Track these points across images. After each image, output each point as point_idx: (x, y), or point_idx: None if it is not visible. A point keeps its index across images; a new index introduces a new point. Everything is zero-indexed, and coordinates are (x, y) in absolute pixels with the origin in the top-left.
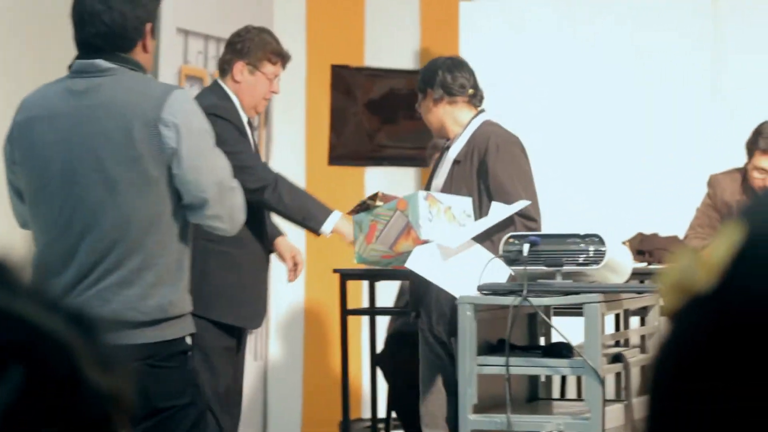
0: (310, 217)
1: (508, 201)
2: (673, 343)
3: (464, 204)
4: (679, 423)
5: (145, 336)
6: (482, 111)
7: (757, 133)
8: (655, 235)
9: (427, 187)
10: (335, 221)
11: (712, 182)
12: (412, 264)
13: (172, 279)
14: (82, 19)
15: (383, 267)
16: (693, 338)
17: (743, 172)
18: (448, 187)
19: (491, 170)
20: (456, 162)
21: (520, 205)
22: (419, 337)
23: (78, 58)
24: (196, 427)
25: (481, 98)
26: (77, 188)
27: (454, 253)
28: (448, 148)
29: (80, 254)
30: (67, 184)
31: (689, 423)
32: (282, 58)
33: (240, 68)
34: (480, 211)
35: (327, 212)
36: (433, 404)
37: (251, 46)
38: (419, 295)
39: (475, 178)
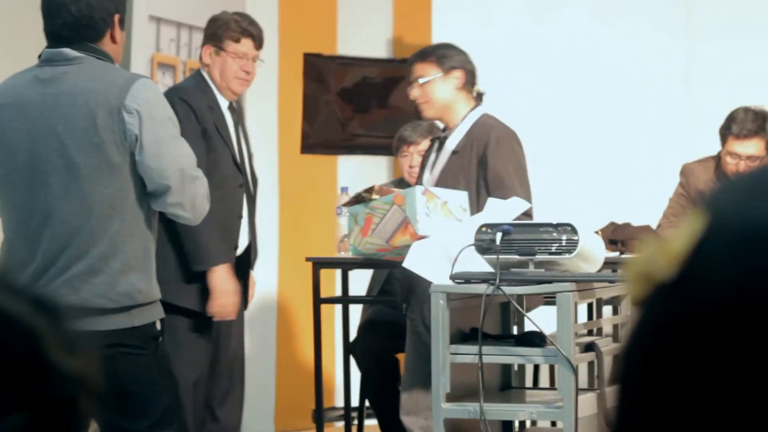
0: (201, 249)
1: (505, 195)
2: (638, 331)
3: (460, 198)
4: (647, 412)
5: (115, 322)
6: (480, 104)
7: (730, 119)
8: (627, 225)
9: (420, 179)
10: (220, 269)
11: (685, 171)
12: (410, 264)
13: (140, 266)
14: (50, 10)
15: (378, 259)
16: (657, 327)
17: (717, 160)
18: (446, 177)
19: (491, 163)
20: (454, 152)
21: (517, 204)
22: (407, 327)
23: (47, 48)
24: (169, 413)
25: (479, 97)
26: (40, 174)
27: (449, 248)
28: (442, 139)
29: (44, 240)
30: (30, 171)
31: (657, 411)
32: (245, 34)
33: (207, 51)
34: (477, 203)
35: (218, 258)
36: (417, 392)
37: (215, 28)
38: (409, 286)
39: (474, 169)
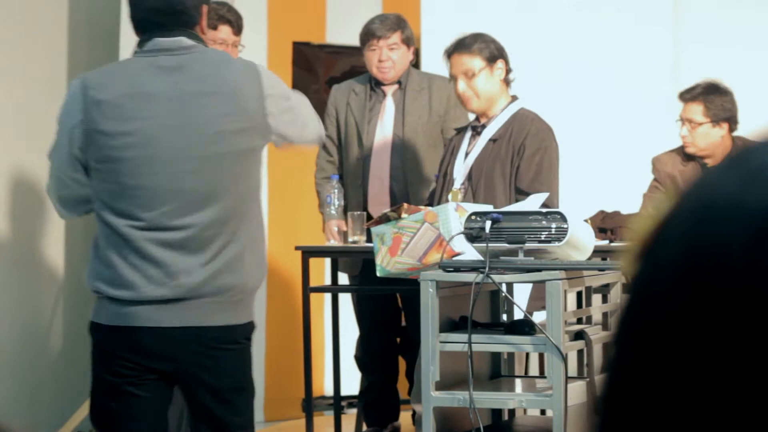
0: None
1: (538, 186)
2: (620, 311)
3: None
4: (629, 395)
5: (249, 313)
6: (518, 98)
7: (692, 87)
8: (617, 213)
9: (450, 165)
10: None
11: (654, 162)
12: None
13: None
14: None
15: (406, 277)
16: (625, 307)
17: (681, 149)
18: (481, 164)
19: (528, 153)
20: (492, 140)
21: (542, 197)
22: None
23: (142, 36)
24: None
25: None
26: (188, 162)
27: None
28: (479, 127)
29: (194, 227)
30: (175, 159)
31: (635, 394)
32: (222, 21)
33: None
34: (510, 192)
35: None
36: None
37: None
38: None
39: (510, 157)
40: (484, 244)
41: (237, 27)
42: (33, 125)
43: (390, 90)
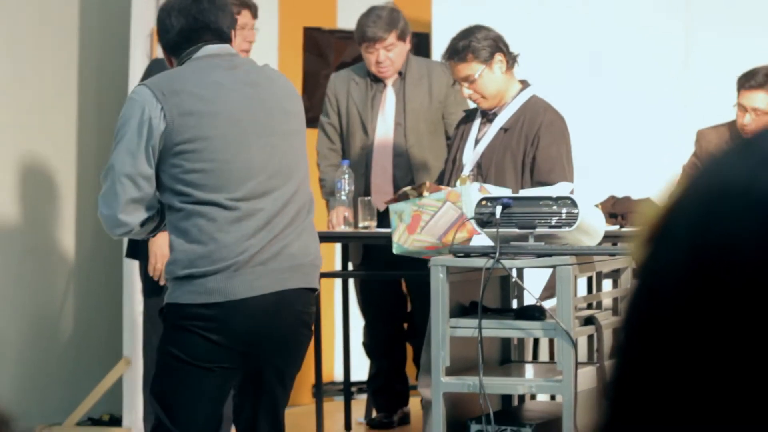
0: None
1: (556, 178)
2: (628, 297)
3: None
4: (636, 378)
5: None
6: (529, 84)
7: (749, 72)
8: (627, 198)
9: (459, 151)
10: None
11: (698, 137)
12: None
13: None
14: (177, 20)
15: (421, 256)
16: (633, 292)
17: (729, 126)
18: (492, 153)
19: (544, 145)
20: (504, 130)
21: (567, 187)
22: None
23: (184, 50)
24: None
25: (514, 59)
26: (273, 138)
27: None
28: (490, 115)
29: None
30: (263, 134)
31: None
32: (243, 6)
33: None
34: (522, 182)
35: None
36: None
37: None
38: None
39: (522, 148)
40: (495, 229)
41: (255, 11)
42: (44, 116)
43: (390, 80)
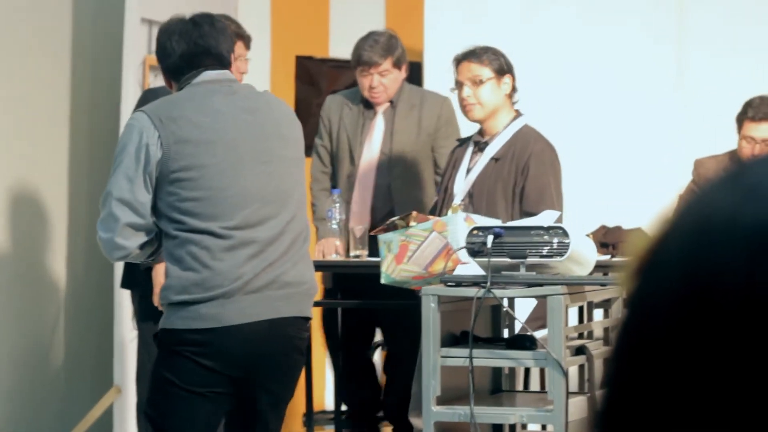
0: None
1: (544, 207)
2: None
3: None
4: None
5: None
6: (522, 114)
7: (747, 105)
8: (618, 228)
9: (452, 180)
10: None
11: (696, 165)
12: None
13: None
14: (178, 44)
15: (409, 287)
16: (623, 320)
17: (730, 156)
18: (483, 183)
19: (533, 175)
20: (495, 159)
21: (553, 215)
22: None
23: (184, 75)
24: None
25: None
26: (268, 165)
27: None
28: (481, 144)
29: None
30: (260, 162)
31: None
32: (238, 37)
33: None
34: (512, 212)
35: None
36: None
37: None
38: None
39: (513, 177)
40: (486, 259)
41: (248, 42)
42: (36, 143)
43: (381, 108)
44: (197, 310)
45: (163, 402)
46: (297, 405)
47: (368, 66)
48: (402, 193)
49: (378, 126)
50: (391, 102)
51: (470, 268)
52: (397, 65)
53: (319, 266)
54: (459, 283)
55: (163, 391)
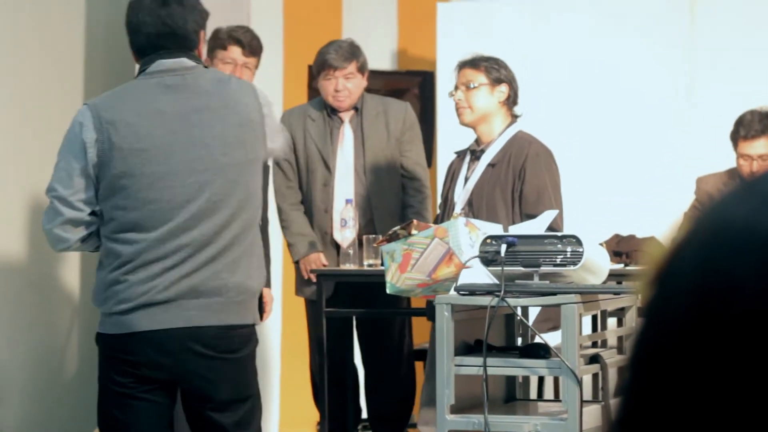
0: None
1: (543, 207)
2: (635, 334)
3: (496, 231)
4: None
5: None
6: (516, 121)
7: (738, 122)
8: (632, 237)
9: (451, 191)
10: None
11: (698, 183)
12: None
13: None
14: (142, 21)
15: (415, 296)
16: (640, 330)
17: (731, 173)
18: (481, 190)
19: (530, 177)
20: (491, 165)
21: (546, 216)
22: (430, 339)
23: (145, 59)
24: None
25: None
26: (200, 174)
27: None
28: (477, 152)
29: (199, 235)
30: (189, 171)
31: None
32: (231, 41)
33: (206, 64)
34: (512, 216)
35: None
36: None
37: (209, 41)
38: None
39: (510, 182)
40: (500, 268)
41: (249, 48)
42: (48, 151)
43: (347, 116)
44: (118, 316)
45: (109, 407)
46: (311, 413)
47: (333, 69)
48: (379, 198)
49: (347, 133)
50: (356, 109)
51: (474, 272)
52: (360, 71)
53: (332, 276)
54: (473, 291)
55: (107, 396)
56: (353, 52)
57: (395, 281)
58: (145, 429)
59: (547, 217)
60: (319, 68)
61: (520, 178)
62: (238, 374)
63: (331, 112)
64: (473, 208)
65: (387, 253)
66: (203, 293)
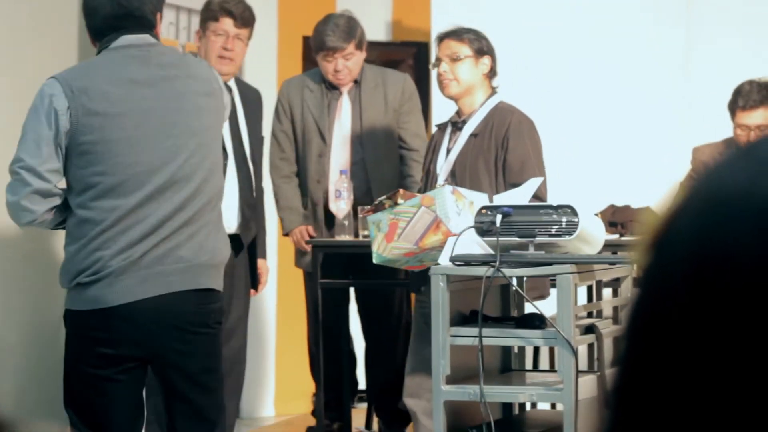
0: None
1: (527, 176)
2: (630, 303)
3: (483, 200)
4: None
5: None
6: (497, 92)
7: (737, 92)
8: (627, 207)
9: (433, 163)
10: None
11: (694, 153)
12: (446, 260)
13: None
14: (100, 4)
15: (400, 266)
16: (636, 299)
17: (727, 143)
18: (464, 160)
19: (512, 146)
20: (473, 135)
21: (531, 183)
22: (415, 310)
23: (105, 37)
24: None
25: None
26: (175, 139)
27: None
28: (459, 123)
29: (175, 200)
30: (165, 136)
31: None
32: (222, 13)
33: (197, 35)
34: (495, 185)
35: None
36: (420, 374)
37: (201, 12)
38: (425, 271)
39: (493, 152)
40: (495, 238)
41: (241, 20)
42: None
43: (345, 88)
44: (87, 291)
45: (78, 387)
46: (306, 385)
47: (332, 51)
48: (376, 169)
49: (345, 105)
50: (356, 81)
51: (462, 241)
52: (359, 47)
53: (328, 246)
54: (468, 262)
55: (75, 376)
56: (350, 30)
57: (381, 251)
58: (121, 411)
59: (531, 185)
60: (318, 48)
61: (503, 148)
62: (206, 346)
63: (330, 84)
64: (456, 179)
65: (373, 223)
66: (181, 258)
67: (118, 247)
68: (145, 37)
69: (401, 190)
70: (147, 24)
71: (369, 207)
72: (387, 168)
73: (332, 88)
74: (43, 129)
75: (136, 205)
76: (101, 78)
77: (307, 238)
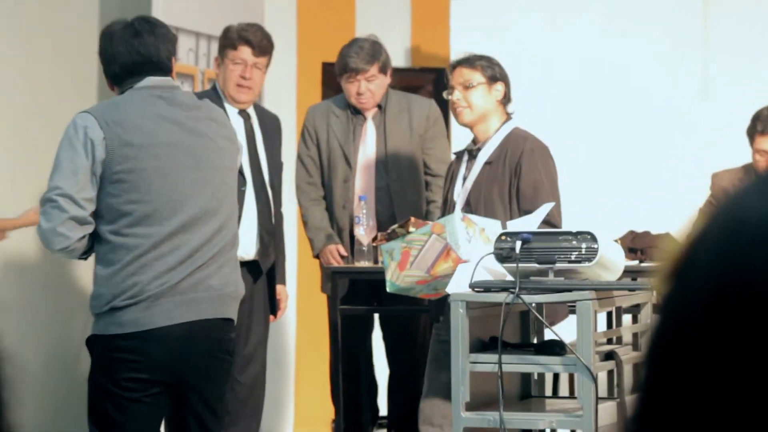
0: None
1: (540, 202)
2: (652, 329)
3: (495, 227)
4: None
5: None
6: (511, 118)
7: (755, 118)
8: (646, 233)
9: (450, 191)
10: None
11: (713, 179)
12: (455, 287)
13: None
14: (117, 51)
15: (415, 295)
16: (657, 325)
17: (746, 169)
18: (479, 188)
19: (525, 173)
20: (488, 163)
21: (542, 209)
22: (432, 337)
23: (128, 80)
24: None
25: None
26: (205, 173)
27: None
28: (474, 151)
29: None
30: (196, 169)
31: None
32: (241, 41)
33: (216, 63)
34: (510, 213)
35: None
36: (436, 401)
37: (220, 40)
38: (443, 301)
39: (508, 179)
40: (514, 265)
41: (259, 49)
42: None
43: (370, 113)
44: (122, 315)
45: (103, 409)
46: (326, 410)
47: (355, 73)
48: (401, 194)
49: (370, 130)
50: (380, 107)
51: (471, 267)
52: (382, 71)
53: (347, 273)
54: (488, 288)
55: (101, 398)
56: (374, 53)
57: (395, 279)
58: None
59: (541, 211)
60: (341, 70)
61: (517, 175)
62: (226, 373)
63: (355, 109)
64: (471, 207)
65: (386, 252)
66: (210, 287)
67: (154, 273)
68: (168, 80)
69: (412, 218)
70: (165, 68)
71: (382, 235)
72: (411, 193)
73: (357, 113)
74: (80, 158)
75: (171, 232)
76: (132, 112)
77: (338, 258)
